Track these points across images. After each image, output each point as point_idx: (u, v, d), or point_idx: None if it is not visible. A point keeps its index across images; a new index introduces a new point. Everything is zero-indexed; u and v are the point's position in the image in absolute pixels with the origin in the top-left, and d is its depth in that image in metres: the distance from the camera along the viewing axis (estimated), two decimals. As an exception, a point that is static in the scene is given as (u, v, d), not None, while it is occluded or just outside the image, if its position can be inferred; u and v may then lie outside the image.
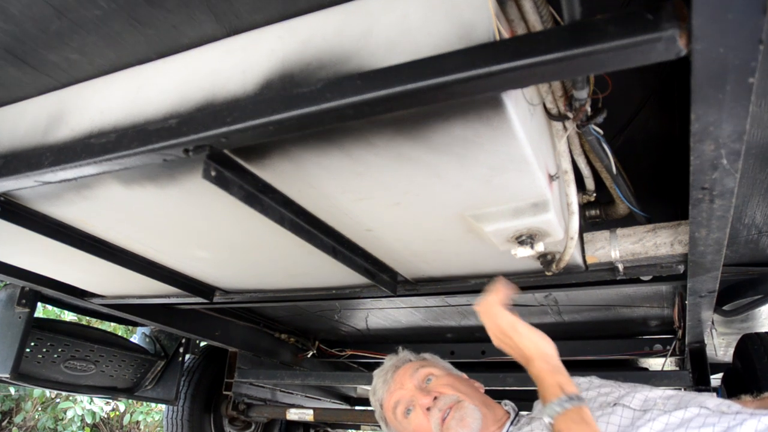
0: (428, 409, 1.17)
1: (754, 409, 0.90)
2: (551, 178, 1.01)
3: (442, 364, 1.34)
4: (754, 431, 0.80)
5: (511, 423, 1.16)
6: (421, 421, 1.17)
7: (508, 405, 1.24)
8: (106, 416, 6.64)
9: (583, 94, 0.83)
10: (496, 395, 1.34)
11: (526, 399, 1.75)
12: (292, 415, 2.91)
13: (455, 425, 1.11)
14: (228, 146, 0.86)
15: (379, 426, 1.35)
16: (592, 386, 1.18)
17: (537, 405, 1.21)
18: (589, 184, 1.25)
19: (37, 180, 1.01)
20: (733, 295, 1.75)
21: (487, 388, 1.32)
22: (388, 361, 1.35)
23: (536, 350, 0.93)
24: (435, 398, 1.17)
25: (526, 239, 1.09)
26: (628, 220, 1.34)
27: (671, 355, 2.39)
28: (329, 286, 1.73)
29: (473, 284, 1.55)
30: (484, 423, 1.13)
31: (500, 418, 1.17)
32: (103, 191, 1.13)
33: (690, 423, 0.86)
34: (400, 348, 1.43)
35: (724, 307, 1.78)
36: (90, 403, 6.09)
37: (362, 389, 3.84)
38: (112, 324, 3.67)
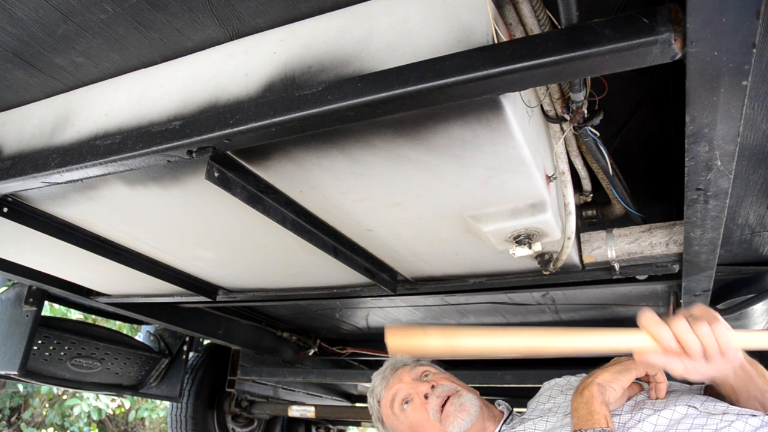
0: (426, 397, 1.18)
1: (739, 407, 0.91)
2: (549, 179, 1.02)
3: (439, 367, 1.36)
4: None
5: (504, 422, 1.17)
6: (418, 413, 1.17)
7: (502, 405, 1.25)
8: (111, 413, 6.70)
9: (580, 96, 0.84)
10: (495, 392, 1.35)
11: (523, 396, 1.76)
12: (294, 411, 2.94)
13: (454, 411, 1.12)
14: (231, 148, 0.88)
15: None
16: (569, 386, 1.19)
17: (531, 404, 1.22)
18: (586, 185, 1.26)
19: (44, 181, 1.02)
20: (727, 293, 1.75)
21: (486, 385, 1.33)
22: (387, 362, 1.37)
23: (600, 376, 0.98)
24: (433, 387, 1.19)
25: (524, 239, 1.10)
26: (624, 221, 1.36)
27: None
28: (330, 285, 1.74)
29: (472, 283, 1.56)
30: (480, 415, 1.14)
31: (495, 416, 1.19)
32: (107, 192, 1.14)
33: (678, 425, 0.87)
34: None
35: (718, 306, 1.79)
36: (96, 400, 6.15)
37: (363, 386, 3.86)
38: (117, 322, 3.68)
